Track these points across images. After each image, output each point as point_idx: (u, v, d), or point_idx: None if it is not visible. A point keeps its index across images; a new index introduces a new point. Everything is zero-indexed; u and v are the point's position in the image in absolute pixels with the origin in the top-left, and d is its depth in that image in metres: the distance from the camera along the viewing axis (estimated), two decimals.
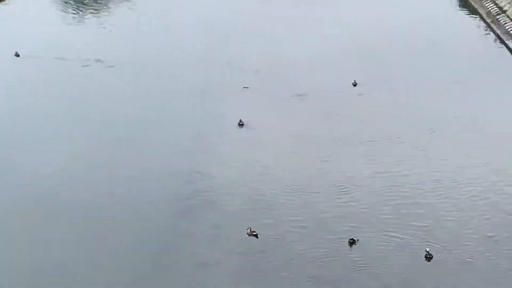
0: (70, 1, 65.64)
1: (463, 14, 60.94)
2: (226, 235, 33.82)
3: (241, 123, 43.24)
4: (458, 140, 41.28)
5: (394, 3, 64.11)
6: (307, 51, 53.36)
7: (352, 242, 32.96)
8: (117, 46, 55.17)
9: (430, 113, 44.13)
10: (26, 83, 48.87)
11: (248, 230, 33.64)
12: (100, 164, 39.29)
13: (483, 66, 50.41)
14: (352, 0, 65.25)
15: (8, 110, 45.14)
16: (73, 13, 63.58)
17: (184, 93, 47.57)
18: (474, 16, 60.19)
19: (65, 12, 64.05)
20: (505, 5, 57.75)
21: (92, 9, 64.17)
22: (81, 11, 64.05)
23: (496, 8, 58.81)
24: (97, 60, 52.39)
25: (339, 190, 36.94)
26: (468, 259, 31.99)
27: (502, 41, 54.45)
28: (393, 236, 33.41)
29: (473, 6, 61.78)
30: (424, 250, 32.21)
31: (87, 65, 51.71)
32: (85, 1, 65.46)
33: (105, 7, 64.64)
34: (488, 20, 58.16)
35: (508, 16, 56.52)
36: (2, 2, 64.25)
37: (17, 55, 52.89)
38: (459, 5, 64.31)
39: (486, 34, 56.96)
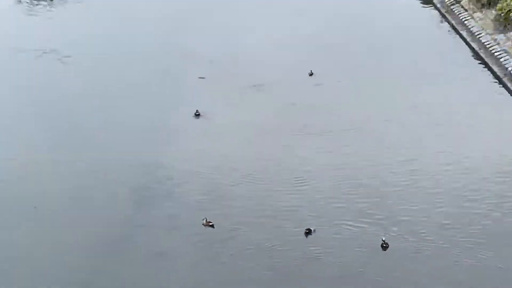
0: None
1: (418, 3, 61.23)
2: (182, 225, 33.84)
3: (197, 114, 43.04)
4: (414, 129, 41.51)
5: None
6: (264, 41, 53.23)
7: (308, 232, 33.06)
8: (73, 37, 54.52)
9: (387, 102, 44.29)
10: None
11: (204, 221, 33.62)
12: (52, 156, 38.93)
13: (439, 55, 50.73)
14: None
15: None
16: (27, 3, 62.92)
17: (139, 84, 47.20)
18: (429, 6, 60.51)
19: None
20: None
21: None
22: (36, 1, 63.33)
23: None
24: (53, 50, 51.86)
25: (296, 181, 36.99)
26: (424, 248, 32.28)
27: (457, 31, 54.82)
28: (350, 225, 33.59)
29: None
30: (380, 239, 32.42)
31: (41, 56, 51.16)
32: None
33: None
34: (443, 10, 58.51)
35: (462, 6, 56.94)
36: None
37: None
38: None
39: (441, 24, 57.31)
